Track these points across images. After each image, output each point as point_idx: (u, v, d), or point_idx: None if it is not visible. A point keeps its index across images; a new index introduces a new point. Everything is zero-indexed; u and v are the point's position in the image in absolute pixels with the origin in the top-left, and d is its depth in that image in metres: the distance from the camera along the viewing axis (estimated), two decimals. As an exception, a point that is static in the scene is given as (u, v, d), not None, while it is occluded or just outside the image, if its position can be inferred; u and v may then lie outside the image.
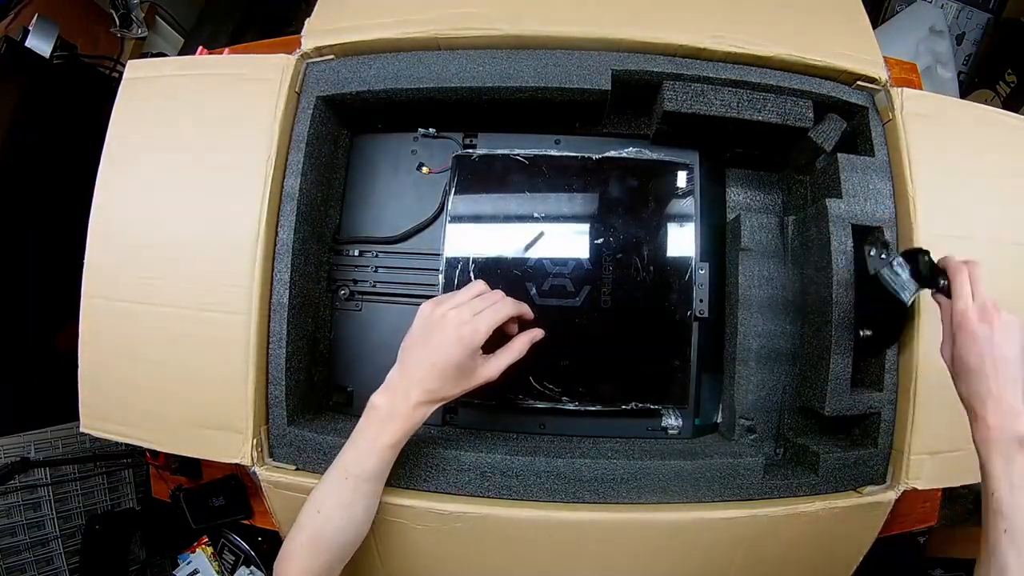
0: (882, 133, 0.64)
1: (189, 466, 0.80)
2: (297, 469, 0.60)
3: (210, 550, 0.87)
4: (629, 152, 0.68)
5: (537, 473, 0.58)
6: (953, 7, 1.50)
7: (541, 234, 0.64)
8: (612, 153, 0.68)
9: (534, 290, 0.63)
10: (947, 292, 0.49)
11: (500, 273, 0.63)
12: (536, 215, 0.64)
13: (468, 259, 0.63)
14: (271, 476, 0.58)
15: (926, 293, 0.54)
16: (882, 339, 0.59)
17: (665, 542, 0.59)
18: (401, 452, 0.51)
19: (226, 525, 0.83)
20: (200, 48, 0.80)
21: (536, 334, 0.54)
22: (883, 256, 0.55)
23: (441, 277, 0.63)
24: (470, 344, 0.48)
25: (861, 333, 0.59)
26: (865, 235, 0.60)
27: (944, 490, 0.72)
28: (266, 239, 0.59)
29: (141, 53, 1.46)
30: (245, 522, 0.80)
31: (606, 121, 0.70)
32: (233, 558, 0.87)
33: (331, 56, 0.65)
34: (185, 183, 0.61)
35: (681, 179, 0.66)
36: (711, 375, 0.70)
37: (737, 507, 0.58)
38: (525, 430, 0.67)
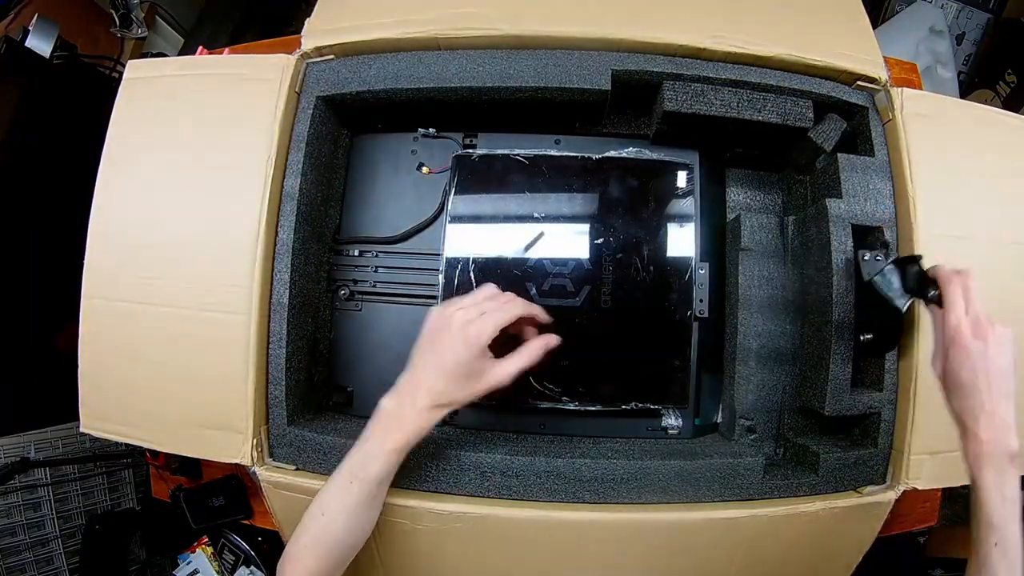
0: (882, 133, 0.64)
1: (189, 466, 0.80)
2: (297, 469, 0.60)
3: (210, 550, 0.87)
4: (629, 152, 0.68)
5: (537, 473, 0.58)
6: (953, 7, 1.50)
7: (541, 234, 0.64)
8: (612, 153, 0.68)
9: (534, 290, 0.63)
10: (938, 301, 0.48)
11: (500, 273, 0.63)
12: (536, 215, 0.64)
13: (468, 259, 0.63)
14: (271, 476, 0.58)
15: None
16: (883, 343, 0.59)
17: (665, 542, 0.59)
18: (401, 452, 0.51)
19: (226, 525, 0.83)
20: (200, 48, 0.80)
21: (550, 341, 0.52)
22: (877, 259, 0.54)
23: (441, 277, 0.63)
24: (476, 343, 0.47)
25: (862, 337, 0.58)
26: (864, 237, 0.60)
27: (944, 490, 0.72)
28: (266, 239, 0.59)
29: (141, 53, 1.46)
30: (245, 522, 0.80)
31: (606, 121, 0.70)
32: (233, 558, 0.87)
33: (331, 56, 0.65)
34: (185, 183, 0.61)
35: (681, 179, 0.66)
36: (711, 375, 0.70)
37: (737, 507, 0.58)
38: (525, 430, 0.67)
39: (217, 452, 0.59)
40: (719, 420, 0.70)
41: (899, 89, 0.62)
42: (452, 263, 0.63)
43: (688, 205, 0.65)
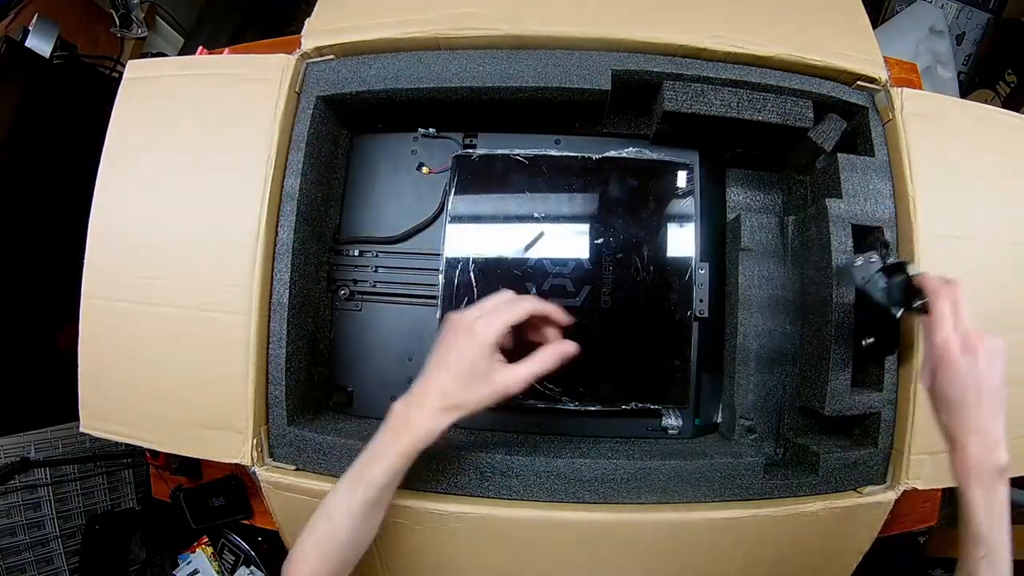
0: (882, 133, 0.64)
1: (189, 466, 0.80)
2: (297, 469, 0.60)
3: (210, 550, 0.87)
4: (629, 152, 0.68)
5: (537, 473, 0.58)
6: (953, 7, 1.50)
7: (541, 234, 0.64)
8: (612, 153, 0.68)
9: (534, 290, 0.63)
10: (926, 310, 0.47)
11: (500, 273, 0.63)
12: (536, 215, 0.64)
13: (468, 259, 0.63)
14: (271, 476, 0.58)
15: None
16: (883, 346, 0.59)
17: (665, 542, 0.59)
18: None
19: (226, 525, 0.83)
20: (200, 48, 0.80)
21: (566, 348, 0.49)
22: (871, 261, 0.54)
23: (441, 277, 0.63)
24: (483, 340, 0.45)
25: (864, 342, 0.58)
26: (864, 237, 0.60)
27: (944, 490, 0.72)
28: (266, 239, 0.59)
29: (141, 53, 1.46)
30: (245, 522, 0.80)
31: (606, 121, 0.70)
32: (233, 558, 0.87)
33: (331, 56, 0.65)
34: (185, 183, 0.61)
35: (681, 179, 0.66)
36: (711, 375, 0.70)
37: (737, 507, 0.58)
38: (525, 430, 0.67)
39: (217, 452, 0.59)
40: (719, 420, 0.70)
41: (899, 89, 0.62)
42: (452, 263, 0.63)
43: (688, 205, 0.65)
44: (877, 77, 0.63)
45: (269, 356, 0.60)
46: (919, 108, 0.61)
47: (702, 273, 0.67)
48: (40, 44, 1.05)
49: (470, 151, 0.68)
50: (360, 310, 0.70)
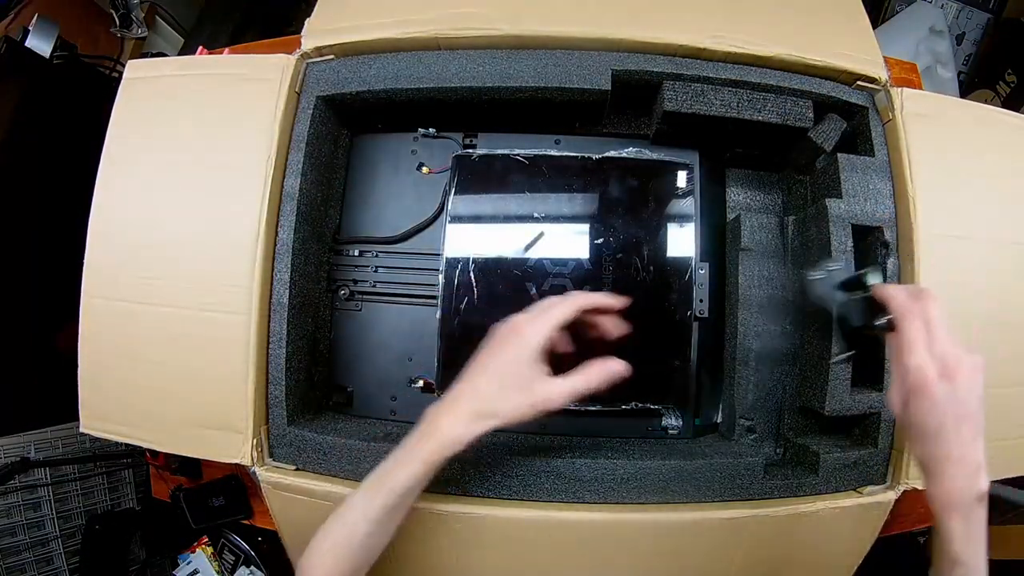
0: (882, 133, 0.64)
1: (189, 466, 0.80)
2: (297, 469, 0.60)
3: (210, 550, 0.87)
4: (629, 152, 0.68)
5: (537, 473, 0.58)
6: (953, 7, 1.50)
7: (541, 234, 0.64)
8: (612, 153, 0.68)
9: (534, 290, 0.63)
10: (891, 327, 0.42)
11: (500, 273, 0.63)
12: (536, 215, 0.64)
13: (468, 259, 0.63)
14: (271, 476, 0.58)
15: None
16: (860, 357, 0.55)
17: (665, 542, 0.59)
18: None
19: (226, 525, 0.83)
20: (200, 48, 0.80)
21: (614, 367, 0.45)
22: (832, 270, 0.50)
23: (441, 277, 0.63)
24: (529, 342, 0.42)
25: (834, 358, 0.55)
26: (864, 237, 0.59)
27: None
28: (266, 239, 0.59)
29: (141, 53, 1.46)
30: (245, 522, 0.80)
31: (606, 121, 0.70)
32: (233, 558, 0.87)
33: (331, 56, 0.65)
34: (185, 183, 0.61)
35: (681, 179, 0.66)
36: (711, 375, 0.70)
37: (737, 507, 0.58)
38: (525, 430, 0.67)
39: (217, 452, 0.59)
40: (719, 420, 0.70)
41: (899, 89, 0.62)
42: (452, 263, 0.63)
43: (688, 205, 0.65)
44: (877, 77, 0.63)
45: (269, 356, 0.60)
46: (919, 108, 0.61)
47: (702, 273, 0.67)
48: (40, 44, 1.05)
49: (470, 151, 0.68)
50: (360, 310, 0.70)
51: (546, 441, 0.64)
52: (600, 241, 0.64)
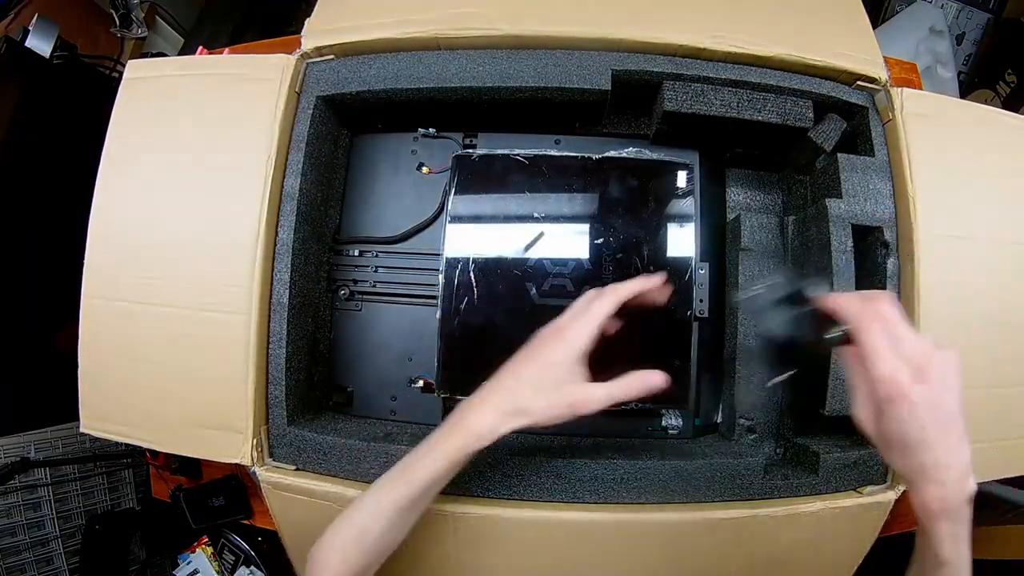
0: (882, 133, 0.64)
1: (189, 466, 0.80)
2: (297, 469, 0.60)
3: (210, 550, 0.87)
4: (629, 152, 0.68)
5: (537, 473, 0.58)
6: (953, 7, 1.50)
7: (541, 234, 0.64)
8: (612, 153, 0.68)
9: (534, 290, 0.63)
10: (846, 339, 0.39)
11: (500, 273, 0.63)
12: (536, 215, 0.64)
13: (468, 259, 0.63)
14: (271, 476, 0.58)
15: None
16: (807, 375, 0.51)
17: (665, 542, 0.59)
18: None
19: (226, 525, 0.83)
20: (200, 48, 0.80)
21: (654, 381, 0.43)
22: (772, 285, 0.46)
23: (441, 277, 0.63)
24: (573, 344, 0.41)
25: (770, 383, 0.52)
26: (864, 237, 0.59)
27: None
28: (266, 239, 0.59)
29: (141, 53, 1.46)
30: (245, 522, 0.80)
31: (606, 121, 0.70)
32: (233, 558, 0.87)
33: (331, 56, 0.65)
34: (185, 183, 0.61)
35: (681, 179, 0.66)
36: (711, 375, 0.70)
37: (737, 507, 0.58)
38: (524, 430, 0.67)
39: (217, 452, 0.59)
40: (719, 420, 0.70)
41: (899, 89, 0.62)
42: (452, 263, 0.63)
43: (688, 205, 0.65)
44: (877, 77, 0.63)
45: (269, 356, 0.60)
46: (919, 108, 0.62)
47: (702, 273, 0.67)
48: (40, 44, 1.05)
49: (470, 151, 0.68)
50: (360, 310, 0.70)
51: (546, 441, 0.64)
52: (600, 241, 0.64)
